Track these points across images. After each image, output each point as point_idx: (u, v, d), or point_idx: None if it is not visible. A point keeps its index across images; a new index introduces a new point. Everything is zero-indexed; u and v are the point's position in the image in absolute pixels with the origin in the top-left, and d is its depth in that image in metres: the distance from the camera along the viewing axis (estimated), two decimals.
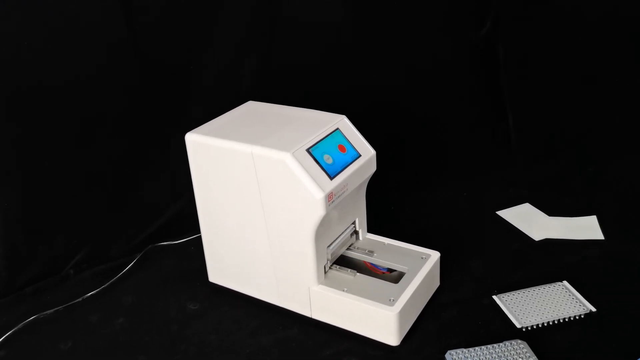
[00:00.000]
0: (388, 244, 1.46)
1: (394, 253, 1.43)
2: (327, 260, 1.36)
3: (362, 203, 1.45)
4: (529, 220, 1.67)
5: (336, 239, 1.39)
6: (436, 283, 1.43)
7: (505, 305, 1.35)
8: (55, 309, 1.45)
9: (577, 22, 1.97)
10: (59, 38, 1.45)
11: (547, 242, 1.58)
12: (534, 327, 1.29)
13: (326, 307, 1.33)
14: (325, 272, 1.35)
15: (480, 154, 2.01)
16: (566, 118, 2.03)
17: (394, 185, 1.87)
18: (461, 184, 1.87)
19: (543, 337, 1.26)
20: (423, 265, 1.37)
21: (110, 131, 1.58)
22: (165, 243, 1.67)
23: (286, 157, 1.22)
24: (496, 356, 1.20)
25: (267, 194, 1.28)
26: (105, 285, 1.52)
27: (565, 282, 1.40)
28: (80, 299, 1.48)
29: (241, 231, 1.37)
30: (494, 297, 1.38)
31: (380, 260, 1.42)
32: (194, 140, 1.35)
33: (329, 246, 1.36)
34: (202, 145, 1.34)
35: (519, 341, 1.23)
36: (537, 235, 1.60)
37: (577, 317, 1.30)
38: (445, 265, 1.45)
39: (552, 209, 1.70)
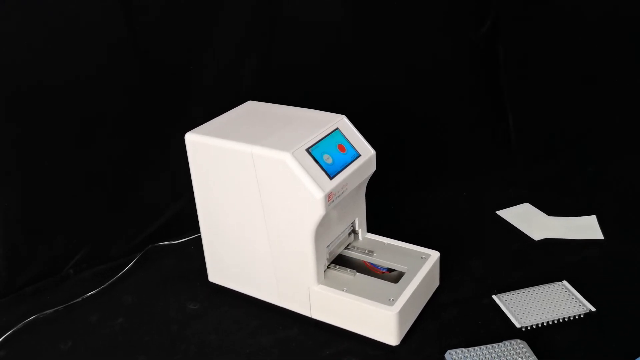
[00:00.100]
0: (388, 243, 1.46)
1: (394, 253, 1.43)
2: (326, 259, 1.36)
3: (361, 203, 1.46)
4: (529, 220, 1.67)
5: (336, 238, 1.39)
6: (436, 283, 1.43)
7: (505, 305, 1.35)
8: (55, 308, 1.45)
9: (577, 22, 1.97)
10: (59, 38, 1.45)
11: (547, 242, 1.58)
12: (534, 327, 1.29)
13: (326, 307, 1.33)
14: (324, 272, 1.35)
15: (480, 154, 2.01)
16: (566, 118, 2.03)
17: (394, 185, 1.87)
18: (461, 184, 1.87)
19: (543, 337, 1.26)
20: (423, 265, 1.37)
21: (110, 131, 1.58)
22: (165, 243, 1.67)
23: (286, 157, 1.22)
24: (496, 356, 1.20)
25: (266, 193, 1.28)
26: (105, 285, 1.52)
27: (564, 282, 1.40)
28: (80, 299, 1.48)
29: (241, 231, 1.38)
30: (494, 297, 1.38)
31: (380, 260, 1.42)
32: (193, 140, 1.35)
33: (328, 246, 1.36)
34: (201, 145, 1.34)
35: (519, 341, 1.23)
36: (537, 235, 1.60)
37: (576, 317, 1.30)
38: (445, 265, 1.45)
39: (552, 209, 1.70)
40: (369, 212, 1.48)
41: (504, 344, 1.22)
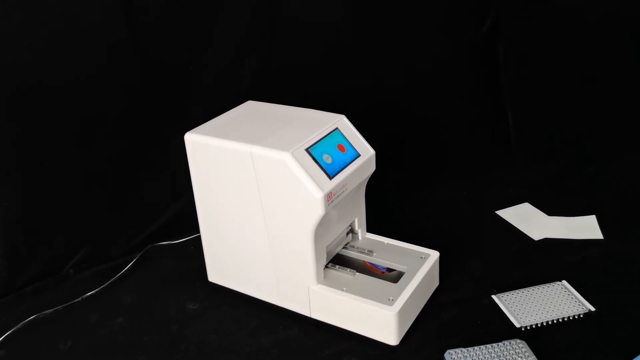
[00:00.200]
0: (387, 243, 1.46)
1: (394, 253, 1.43)
2: (324, 259, 1.36)
3: (361, 203, 1.46)
4: (529, 220, 1.67)
5: (336, 238, 1.39)
6: (435, 283, 1.43)
7: (504, 305, 1.35)
8: (55, 308, 1.45)
9: (577, 22, 1.97)
10: (59, 38, 1.46)
11: (547, 241, 1.58)
12: (533, 326, 1.29)
13: (326, 307, 1.33)
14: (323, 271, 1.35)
15: (480, 154, 2.01)
16: (566, 118, 2.03)
17: (394, 185, 1.87)
18: (461, 184, 1.87)
19: (542, 337, 1.26)
20: (422, 265, 1.37)
21: (110, 131, 1.58)
22: (165, 243, 1.67)
23: (285, 157, 1.22)
24: (495, 356, 1.19)
25: (266, 193, 1.29)
26: (105, 285, 1.52)
27: (564, 282, 1.40)
28: (80, 299, 1.48)
29: (241, 231, 1.38)
30: (494, 296, 1.38)
31: (379, 260, 1.42)
32: (193, 140, 1.36)
33: (328, 245, 1.36)
34: (201, 145, 1.34)
35: (518, 341, 1.23)
36: (536, 235, 1.60)
37: (576, 317, 1.30)
38: (445, 265, 1.45)
39: (552, 209, 1.70)
40: (368, 212, 1.48)
41: (504, 344, 1.22)
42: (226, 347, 1.31)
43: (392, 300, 1.27)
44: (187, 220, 1.61)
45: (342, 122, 1.37)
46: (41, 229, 1.55)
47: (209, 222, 1.43)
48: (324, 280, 1.35)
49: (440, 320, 1.34)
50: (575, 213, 1.67)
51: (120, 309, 1.45)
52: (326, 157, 1.27)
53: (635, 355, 1.19)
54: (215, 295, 1.47)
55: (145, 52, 1.57)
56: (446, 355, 1.22)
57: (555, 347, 1.24)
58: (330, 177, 1.25)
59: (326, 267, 1.37)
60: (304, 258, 1.30)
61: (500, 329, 1.29)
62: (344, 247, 1.45)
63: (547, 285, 1.39)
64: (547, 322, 1.29)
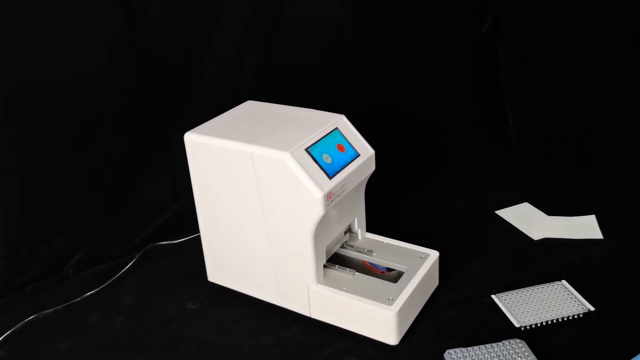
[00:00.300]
0: (387, 243, 1.46)
1: (393, 252, 1.43)
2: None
3: (361, 202, 1.46)
4: (529, 220, 1.67)
5: (336, 238, 1.39)
6: (435, 282, 1.43)
7: (504, 305, 1.35)
8: (55, 308, 1.45)
9: (577, 22, 1.97)
10: (59, 38, 1.46)
11: (547, 241, 1.58)
12: (533, 326, 1.29)
13: (325, 307, 1.33)
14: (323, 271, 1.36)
15: (480, 154, 2.01)
16: (566, 118, 2.03)
17: (394, 185, 1.87)
18: (461, 184, 1.87)
19: (542, 337, 1.26)
20: (422, 265, 1.37)
21: (110, 131, 1.58)
22: (164, 243, 1.67)
23: (285, 157, 1.22)
24: (495, 356, 1.19)
25: (266, 193, 1.29)
26: (105, 284, 1.52)
27: (564, 282, 1.39)
28: (80, 299, 1.48)
29: (241, 231, 1.38)
30: (493, 296, 1.38)
31: (379, 260, 1.42)
32: (193, 139, 1.36)
33: (327, 245, 1.36)
34: (201, 145, 1.34)
35: (518, 340, 1.23)
36: (536, 234, 1.60)
37: (575, 317, 1.30)
38: (445, 265, 1.45)
39: (552, 209, 1.70)
40: (368, 212, 1.49)
41: (503, 344, 1.22)
42: (226, 347, 1.31)
43: (392, 300, 1.27)
44: (187, 220, 1.61)
45: (341, 122, 1.37)
46: (41, 229, 1.55)
47: (208, 222, 1.43)
48: (324, 280, 1.35)
49: (440, 320, 1.34)
50: (575, 213, 1.67)
51: (120, 308, 1.45)
52: (326, 157, 1.27)
53: (635, 355, 1.19)
54: (215, 295, 1.47)
55: (145, 52, 1.57)
56: (446, 355, 1.22)
57: (554, 347, 1.24)
58: (330, 177, 1.25)
59: (326, 267, 1.37)
60: (304, 258, 1.30)
61: (500, 328, 1.29)
62: (344, 247, 1.45)
63: (547, 285, 1.39)
64: (547, 322, 1.29)
